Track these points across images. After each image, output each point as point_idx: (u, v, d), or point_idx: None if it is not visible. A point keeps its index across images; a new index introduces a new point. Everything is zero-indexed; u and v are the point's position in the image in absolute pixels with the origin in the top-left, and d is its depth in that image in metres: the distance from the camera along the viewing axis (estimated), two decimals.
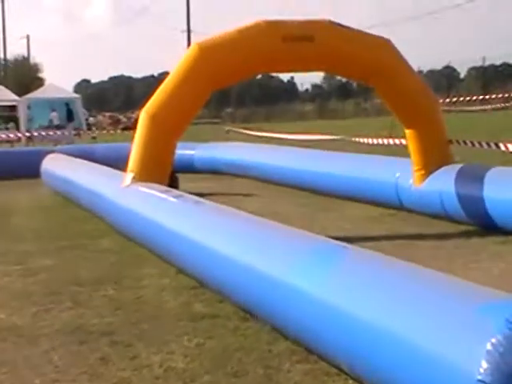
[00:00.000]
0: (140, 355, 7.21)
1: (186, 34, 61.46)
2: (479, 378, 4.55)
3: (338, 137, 21.91)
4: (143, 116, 13.45)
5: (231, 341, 7.46)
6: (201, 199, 11.55)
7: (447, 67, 68.36)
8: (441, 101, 25.28)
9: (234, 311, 8.29)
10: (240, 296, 8.30)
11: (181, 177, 16.68)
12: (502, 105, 23.40)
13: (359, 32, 13.91)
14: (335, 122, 40.16)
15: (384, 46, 13.77)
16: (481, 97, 28.71)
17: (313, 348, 6.83)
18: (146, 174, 13.12)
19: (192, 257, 9.71)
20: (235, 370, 6.72)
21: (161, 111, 13.22)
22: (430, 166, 13.74)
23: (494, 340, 4.61)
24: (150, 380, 6.63)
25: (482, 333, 4.73)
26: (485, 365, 4.56)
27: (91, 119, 68.85)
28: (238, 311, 8.23)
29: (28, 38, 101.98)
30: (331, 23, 13.49)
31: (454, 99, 27.11)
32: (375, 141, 18.55)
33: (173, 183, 12.46)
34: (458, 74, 67.35)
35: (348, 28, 13.62)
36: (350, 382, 6.27)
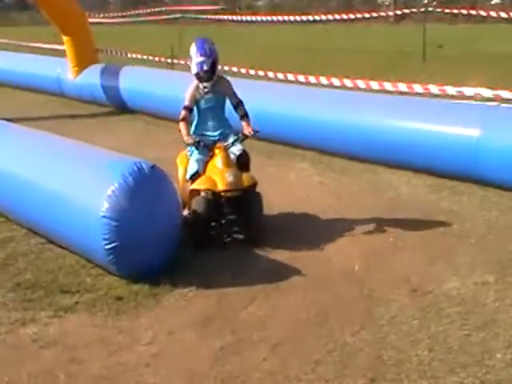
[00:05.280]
0: None
1: None
2: (102, 214, 4.57)
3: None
4: None
5: None
6: None
7: None
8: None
9: None
10: None
11: None
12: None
13: None
14: (12, 29, 37.25)
15: None
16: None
17: None
18: None
19: None
20: None
21: None
22: (82, 64, 13.35)
23: (112, 187, 4.63)
24: None
25: (105, 183, 4.70)
26: (106, 205, 4.59)
27: None
28: None
29: None
30: None
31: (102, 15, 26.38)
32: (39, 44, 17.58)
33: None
34: None
35: None
36: (14, 226, 5.93)
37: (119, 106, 12.46)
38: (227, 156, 5.48)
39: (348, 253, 5.28)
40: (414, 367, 3.60)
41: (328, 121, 8.36)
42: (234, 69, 11.22)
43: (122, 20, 25.60)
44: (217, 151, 5.47)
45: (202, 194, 5.34)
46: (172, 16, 22.22)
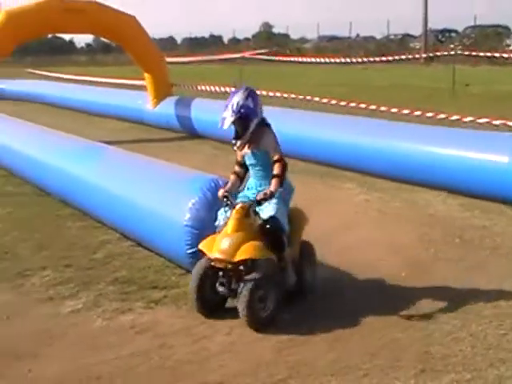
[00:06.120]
0: None
1: None
2: (185, 223, 4.63)
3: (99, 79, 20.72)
4: None
5: (32, 210, 7.00)
6: (4, 116, 10.79)
7: (170, 37, 67.75)
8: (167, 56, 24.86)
9: (33, 191, 7.77)
10: (36, 180, 7.76)
11: None
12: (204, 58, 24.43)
13: (114, 9, 13.30)
14: (100, 68, 38.13)
15: (130, 20, 13.36)
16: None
17: (85, 211, 6.54)
18: None
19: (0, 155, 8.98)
20: (35, 227, 6.33)
21: None
22: (159, 96, 13.62)
23: (193, 200, 4.68)
24: None
25: (187, 196, 4.75)
26: (188, 215, 4.64)
27: None
28: (36, 190, 7.72)
29: None
30: (96, 3, 12.96)
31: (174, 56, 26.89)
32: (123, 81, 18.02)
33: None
34: (176, 41, 66.65)
35: (107, 6, 13.14)
36: (109, 231, 6.07)
37: (190, 132, 12.61)
38: (240, 219, 4.05)
39: (393, 261, 5.23)
40: (459, 361, 3.56)
41: (372, 146, 8.32)
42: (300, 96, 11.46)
43: (190, 59, 26.00)
44: (233, 211, 4.12)
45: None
46: (233, 56, 22.48)
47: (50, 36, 49.47)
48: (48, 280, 4.86)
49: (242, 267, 4.00)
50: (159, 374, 3.49)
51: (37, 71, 28.05)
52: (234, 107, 4.22)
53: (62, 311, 4.29)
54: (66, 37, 59.15)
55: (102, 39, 38.46)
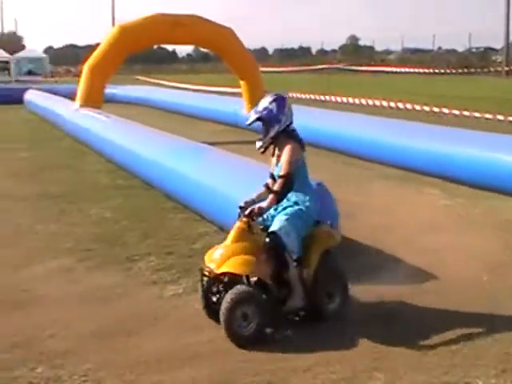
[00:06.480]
0: (84, 209, 6.90)
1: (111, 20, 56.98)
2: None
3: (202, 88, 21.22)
4: (85, 68, 12.91)
5: (139, 201, 7.25)
6: (117, 117, 11.24)
7: (262, 47, 68.42)
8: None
9: (140, 184, 8.03)
10: (143, 175, 8.03)
11: (109, 106, 15.48)
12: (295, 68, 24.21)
13: (214, 22, 13.60)
14: (199, 76, 39.02)
15: (228, 32, 13.60)
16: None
17: (187, 205, 6.67)
18: (86, 102, 12.69)
19: (113, 152, 9.37)
20: (142, 218, 6.53)
21: (96, 65, 12.74)
22: (253, 101, 13.64)
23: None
24: (91, 224, 6.36)
25: None
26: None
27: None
28: (143, 184, 7.97)
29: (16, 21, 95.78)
30: (198, 17, 13.30)
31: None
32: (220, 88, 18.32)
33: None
34: (268, 51, 67.11)
35: (207, 20, 13.41)
36: (208, 224, 6.15)
37: None
38: (239, 232, 3.76)
39: (473, 265, 5.00)
40: None
41: (455, 154, 8.03)
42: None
43: (281, 69, 26.15)
44: (237, 223, 3.85)
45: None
46: (325, 66, 22.38)
47: (155, 47, 51.38)
48: (153, 265, 5.01)
49: (226, 279, 3.68)
50: (254, 355, 3.52)
51: (144, 78, 29.15)
52: (260, 108, 4.04)
53: (164, 294, 4.41)
54: (169, 47, 61.10)
55: (202, 49, 39.49)
